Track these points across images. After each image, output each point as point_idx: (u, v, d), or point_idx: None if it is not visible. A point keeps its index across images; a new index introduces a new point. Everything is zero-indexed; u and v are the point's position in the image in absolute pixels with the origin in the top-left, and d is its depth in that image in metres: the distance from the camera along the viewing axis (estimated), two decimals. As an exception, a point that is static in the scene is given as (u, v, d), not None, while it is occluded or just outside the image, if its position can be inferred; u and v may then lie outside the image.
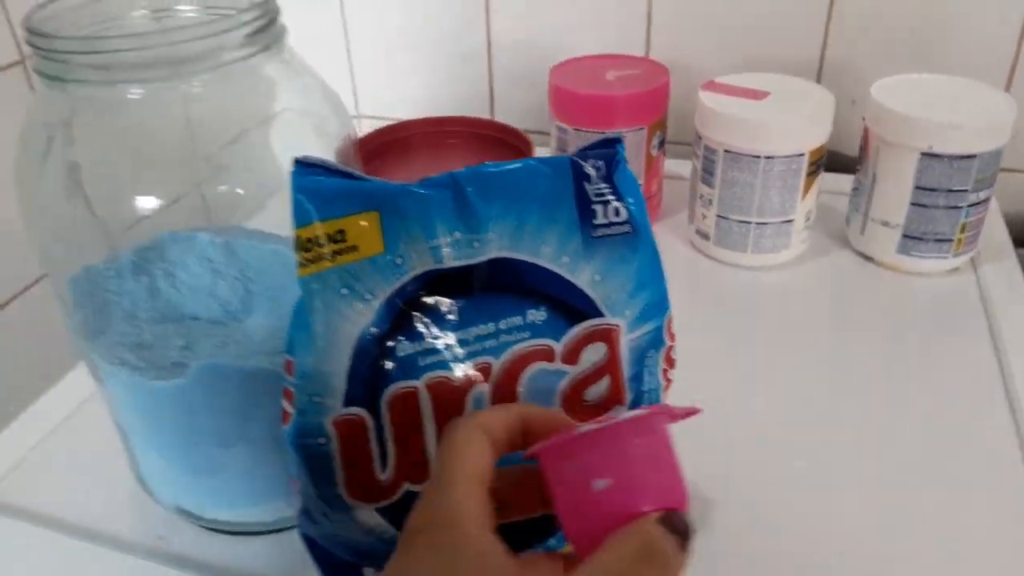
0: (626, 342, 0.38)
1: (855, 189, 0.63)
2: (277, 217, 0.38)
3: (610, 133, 0.62)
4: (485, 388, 0.36)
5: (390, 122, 0.64)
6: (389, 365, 0.35)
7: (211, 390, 0.39)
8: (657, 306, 0.38)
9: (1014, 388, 0.51)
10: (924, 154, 0.56)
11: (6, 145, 0.38)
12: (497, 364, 0.36)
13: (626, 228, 0.35)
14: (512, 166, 0.35)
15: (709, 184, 0.61)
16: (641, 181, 0.65)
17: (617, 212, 0.35)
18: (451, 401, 0.36)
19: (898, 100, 0.58)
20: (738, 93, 0.61)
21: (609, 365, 0.37)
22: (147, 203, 0.37)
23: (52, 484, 0.49)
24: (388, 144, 0.57)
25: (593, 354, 0.37)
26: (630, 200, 0.35)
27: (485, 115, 0.86)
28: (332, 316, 0.34)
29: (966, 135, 0.55)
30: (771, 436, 0.49)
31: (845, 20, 0.72)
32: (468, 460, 0.29)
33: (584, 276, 0.36)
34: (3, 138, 0.43)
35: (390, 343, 0.35)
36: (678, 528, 0.26)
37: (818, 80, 0.75)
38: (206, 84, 0.34)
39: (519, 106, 0.85)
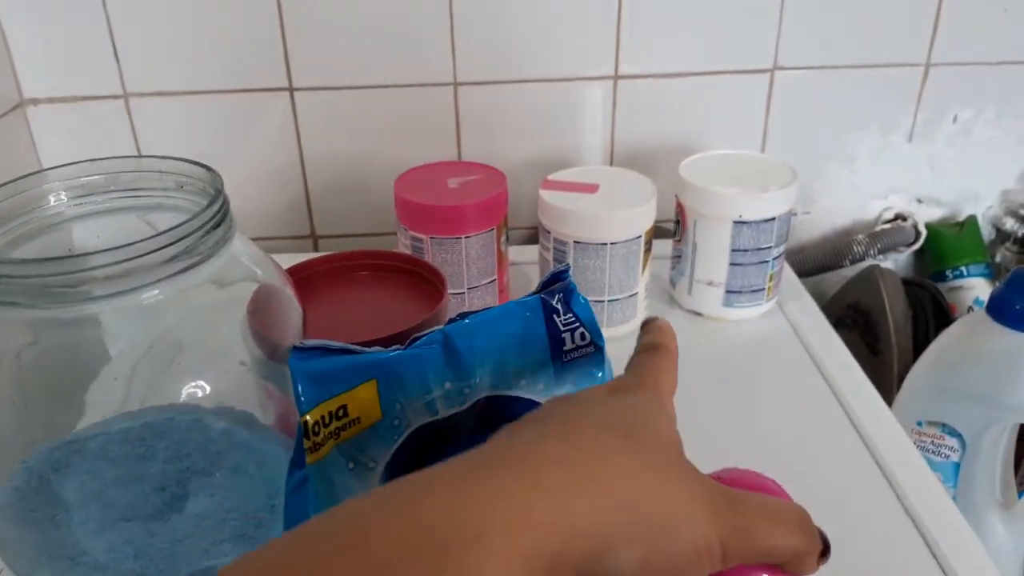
0: (595, 448, 0.41)
1: (677, 256, 0.72)
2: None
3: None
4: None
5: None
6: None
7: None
8: (613, 410, 0.41)
9: (843, 397, 0.62)
10: (736, 222, 0.66)
11: None
12: (492, 497, 0.38)
13: (590, 348, 0.39)
14: (492, 312, 0.37)
15: (561, 271, 0.67)
16: (495, 276, 0.69)
17: (583, 336, 0.39)
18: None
19: (707, 178, 0.67)
20: (573, 188, 0.67)
21: (590, 474, 0.40)
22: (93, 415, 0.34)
23: None
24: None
25: (575, 467, 0.40)
26: (589, 323, 0.39)
27: (305, 222, 0.86)
28: (340, 494, 0.34)
29: (767, 203, 0.65)
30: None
31: (625, 110, 0.82)
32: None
33: (558, 398, 0.39)
34: None
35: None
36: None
37: (611, 163, 0.85)
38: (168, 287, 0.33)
39: (334, 213, 0.86)
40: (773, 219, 0.66)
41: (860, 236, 0.88)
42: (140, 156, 0.37)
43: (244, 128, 0.81)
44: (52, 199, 0.36)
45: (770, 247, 0.68)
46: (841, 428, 0.60)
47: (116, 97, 0.79)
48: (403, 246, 0.69)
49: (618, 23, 0.78)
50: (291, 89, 0.80)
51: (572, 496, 0.23)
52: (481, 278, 0.69)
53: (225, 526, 0.39)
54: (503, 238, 0.69)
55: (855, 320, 0.83)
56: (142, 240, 0.31)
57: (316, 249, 0.89)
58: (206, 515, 0.39)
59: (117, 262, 0.30)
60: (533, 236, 0.87)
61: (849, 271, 0.88)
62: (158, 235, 0.31)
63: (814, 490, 0.55)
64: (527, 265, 0.80)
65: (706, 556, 0.25)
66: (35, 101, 0.79)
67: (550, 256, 0.68)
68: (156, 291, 0.32)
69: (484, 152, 0.82)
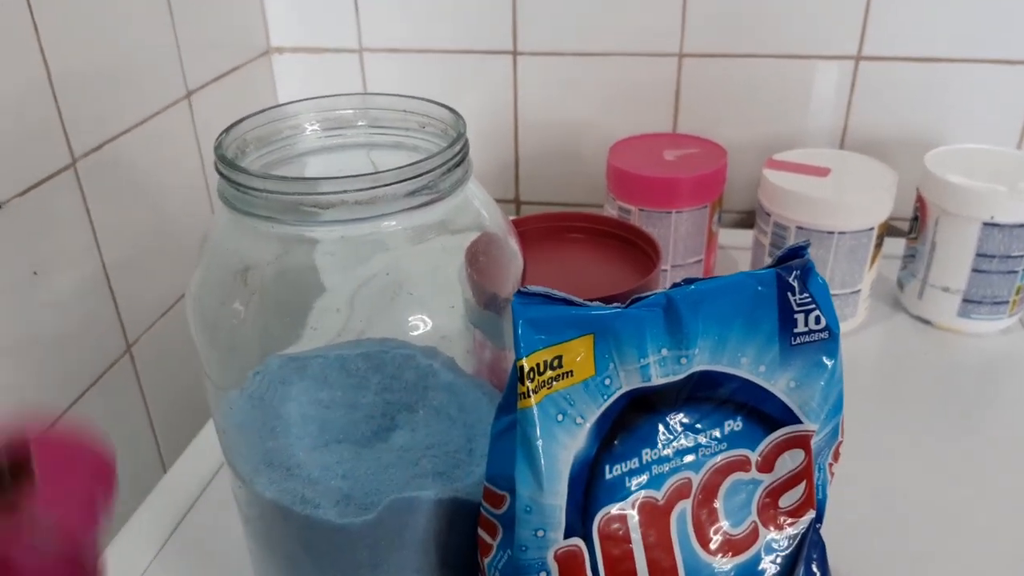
0: (814, 444, 0.38)
1: (910, 256, 0.66)
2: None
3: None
4: (687, 504, 0.36)
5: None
6: (599, 489, 0.34)
7: (399, 524, 0.37)
8: (837, 405, 0.38)
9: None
10: (986, 224, 0.59)
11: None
12: (697, 479, 0.36)
13: (824, 334, 0.36)
14: (721, 282, 0.35)
15: (776, 258, 0.63)
16: (702, 256, 0.66)
17: (817, 320, 0.36)
18: (657, 521, 0.35)
19: (956, 172, 0.61)
20: (801, 170, 0.63)
21: (805, 471, 0.37)
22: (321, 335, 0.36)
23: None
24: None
25: (790, 461, 0.37)
26: (826, 306, 0.36)
27: (511, 186, 0.87)
28: (551, 445, 0.33)
29: (1025, 205, 0.58)
30: (864, 495, 0.50)
31: (864, 93, 0.76)
32: None
33: (780, 383, 0.36)
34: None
35: (599, 466, 0.34)
36: None
37: (841, 147, 0.79)
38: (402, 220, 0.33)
39: (541, 180, 0.86)
40: (1031, 224, 0.59)
41: None
42: (387, 94, 0.38)
43: (465, 88, 0.83)
44: (308, 128, 0.37)
45: (1022, 256, 0.60)
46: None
47: (352, 51, 0.83)
48: (611, 215, 0.67)
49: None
50: (515, 53, 0.80)
51: None
52: (687, 256, 0.66)
53: (425, 461, 0.40)
54: (716, 217, 0.66)
55: (1113, 351, 0.73)
56: (387, 171, 0.31)
57: (518, 214, 0.89)
58: (408, 448, 0.40)
59: (363, 188, 0.31)
60: (746, 220, 0.83)
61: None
62: (402, 168, 0.31)
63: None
64: (736, 251, 0.76)
65: None
66: (280, 50, 0.84)
67: (767, 241, 0.64)
68: (394, 222, 0.32)
69: (700, 128, 0.79)
